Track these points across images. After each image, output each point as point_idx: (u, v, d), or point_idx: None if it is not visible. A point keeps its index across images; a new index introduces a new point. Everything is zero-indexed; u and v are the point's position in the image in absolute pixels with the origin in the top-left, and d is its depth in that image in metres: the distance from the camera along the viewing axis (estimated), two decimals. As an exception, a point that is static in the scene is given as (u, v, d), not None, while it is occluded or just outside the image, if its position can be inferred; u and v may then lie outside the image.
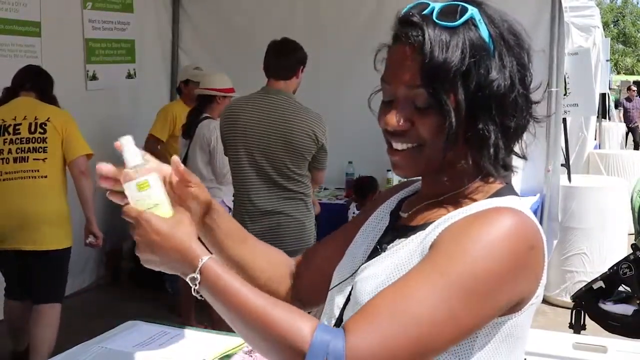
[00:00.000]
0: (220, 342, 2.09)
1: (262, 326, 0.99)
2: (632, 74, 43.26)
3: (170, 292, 5.30)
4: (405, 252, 1.10)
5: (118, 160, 1.13)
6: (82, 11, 5.31)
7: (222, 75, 4.60)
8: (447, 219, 1.08)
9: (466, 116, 1.06)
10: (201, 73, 5.04)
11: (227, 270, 1.04)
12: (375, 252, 1.17)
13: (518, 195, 1.13)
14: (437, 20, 1.05)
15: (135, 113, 5.79)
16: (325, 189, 5.48)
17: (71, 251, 3.91)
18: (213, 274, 1.03)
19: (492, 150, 1.07)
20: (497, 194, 1.11)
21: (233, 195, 3.65)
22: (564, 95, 5.28)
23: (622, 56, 46.85)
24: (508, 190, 1.13)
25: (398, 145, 1.11)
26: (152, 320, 2.29)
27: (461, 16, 1.05)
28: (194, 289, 1.05)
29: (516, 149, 1.14)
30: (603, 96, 9.92)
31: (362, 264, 1.18)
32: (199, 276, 1.03)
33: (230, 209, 4.31)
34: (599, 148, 9.78)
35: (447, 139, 1.06)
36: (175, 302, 4.97)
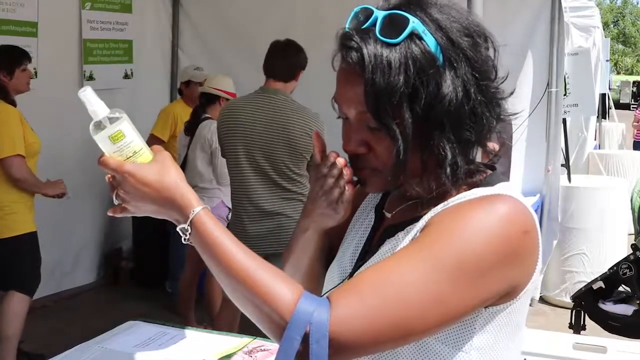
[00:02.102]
0: (220, 342, 2.09)
1: (246, 287, 0.97)
2: (632, 74, 43.31)
3: (170, 292, 5.30)
4: (399, 248, 1.08)
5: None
6: (80, 12, 5.31)
7: (230, 80, 4.61)
8: (438, 208, 1.06)
9: (419, 137, 1.01)
10: (203, 73, 5.04)
11: (219, 224, 1.03)
12: (365, 255, 1.16)
13: (507, 181, 1.11)
14: (378, 36, 0.99)
15: (132, 113, 5.67)
16: (325, 189, 5.48)
17: (21, 241, 3.79)
18: (204, 227, 1.01)
19: (448, 170, 1.02)
20: (486, 183, 1.09)
21: (231, 197, 3.64)
22: (564, 95, 5.28)
23: (622, 56, 46.93)
24: (495, 177, 1.11)
25: (359, 166, 1.09)
26: (152, 320, 2.28)
27: (402, 30, 0.99)
28: (184, 239, 1.04)
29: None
30: (603, 96, 9.92)
31: (352, 268, 1.17)
32: (189, 227, 1.02)
33: (230, 209, 4.31)
34: (599, 148, 9.78)
35: (397, 164, 1.02)
36: (175, 302, 4.97)
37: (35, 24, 4.87)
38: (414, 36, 0.99)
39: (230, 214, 4.29)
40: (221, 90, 4.49)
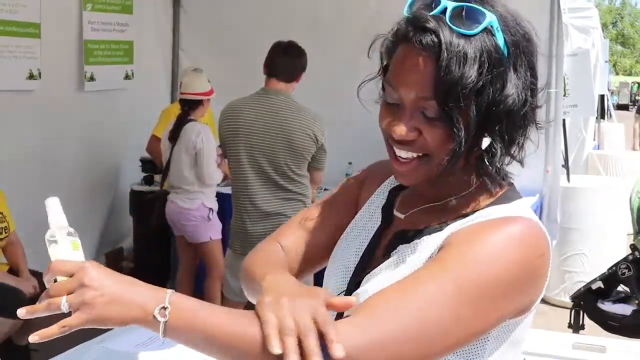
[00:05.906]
0: (221, 342, 2.09)
1: (240, 351, 0.96)
2: (631, 74, 43.33)
3: (170, 292, 5.30)
4: (415, 260, 1.07)
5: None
6: (81, 13, 5.32)
7: (201, 78, 4.64)
8: (456, 225, 1.06)
9: (475, 131, 1.01)
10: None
11: (194, 303, 1.00)
12: (376, 259, 1.14)
13: (521, 197, 1.12)
14: (452, 25, 0.97)
15: (132, 114, 5.79)
16: (325, 189, 5.48)
17: None
18: (184, 315, 0.99)
19: (492, 168, 1.05)
20: (504, 198, 1.10)
21: (232, 197, 3.65)
22: (563, 96, 5.28)
23: (620, 57, 46.96)
24: (513, 193, 1.11)
25: (402, 154, 1.05)
26: (153, 320, 2.28)
27: (480, 23, 0.98)
28: (162, 332, 1.01)
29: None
30: (602, 97, 9.92)
31: (359, 270, 1.15)
32: (168, 314, 0.99)
33: (210, 210, 4.34)
34: (598, 149, 9.79)
35: (453, 155, 1.01)
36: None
37: (38, 25, 4.86)
38: (488, 32, 0.99)
39: (211, 212, 4.37)
40: (200, 94, 4.51)
